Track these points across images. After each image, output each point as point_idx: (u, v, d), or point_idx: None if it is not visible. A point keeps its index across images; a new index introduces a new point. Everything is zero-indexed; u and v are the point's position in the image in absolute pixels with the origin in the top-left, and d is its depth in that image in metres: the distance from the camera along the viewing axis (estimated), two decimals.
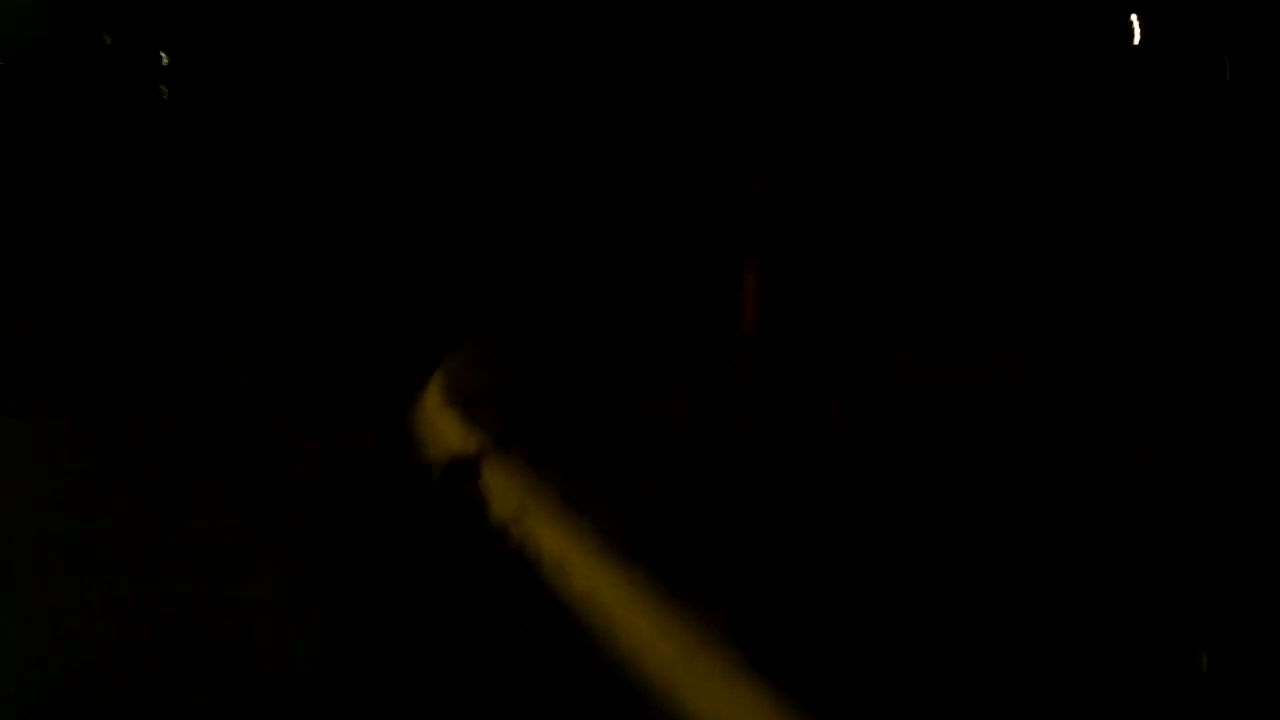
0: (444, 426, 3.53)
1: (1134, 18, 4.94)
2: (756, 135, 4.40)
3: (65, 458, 3.53)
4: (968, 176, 5.01)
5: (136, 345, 5.05)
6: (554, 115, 6.53)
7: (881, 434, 3.44)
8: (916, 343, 4.47)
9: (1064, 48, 5.06)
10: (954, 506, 2.86)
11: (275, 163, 7.10)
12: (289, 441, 3.69)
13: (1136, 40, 5.02)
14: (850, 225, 4.78)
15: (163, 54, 7.24)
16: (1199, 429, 3.49)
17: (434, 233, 6.73)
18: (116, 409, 4.02)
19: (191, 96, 7.26)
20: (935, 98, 5.04)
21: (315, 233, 6.99)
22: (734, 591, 2.43)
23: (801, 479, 3.05)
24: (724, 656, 2.24)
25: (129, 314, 5.66)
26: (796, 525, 2.75)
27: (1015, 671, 2.05)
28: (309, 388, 4.35)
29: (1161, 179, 5.04)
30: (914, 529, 2.73)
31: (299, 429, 3.82)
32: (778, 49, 4.57)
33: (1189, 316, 4.68)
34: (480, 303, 5.65)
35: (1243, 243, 4.89)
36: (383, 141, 6.97)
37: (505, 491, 3.08)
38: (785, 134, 4.42)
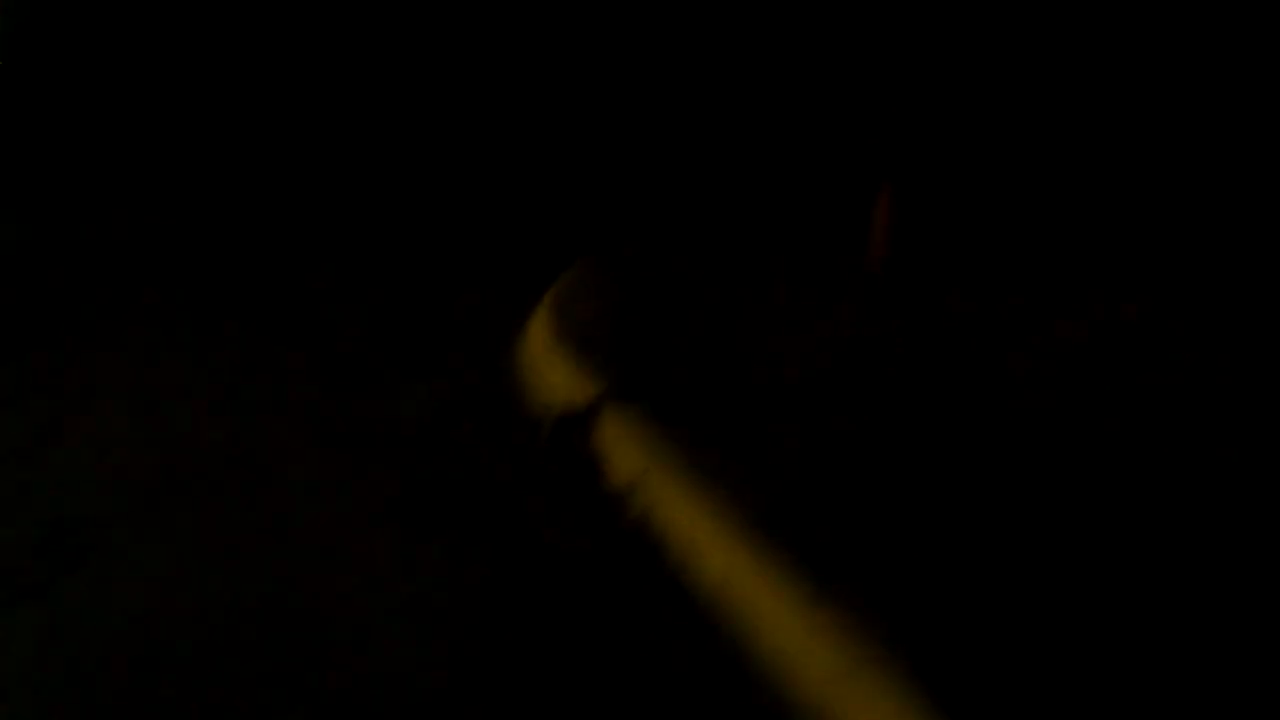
0: (554, 369, 3.23)
1: None
2: (895, 59, 3.97)
3: (144, 392, 3.30)
4: (1118, 105, 4.53)
5: (203, 264, 4.77)
6: (676, 21, 6.08)
7: (1042, 390, 3.09)
8: (1058, 281, 4.07)
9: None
10: (1149, 485, 2.52)
11: (359, 52, 6.73)
12: (382, 380, 3.41)
13: None
14: (988, 155, 4.34)
15: None
16: None
17: (537, 140, 6.35)
18: (193, 345, 3.76)
19: None
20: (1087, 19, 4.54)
21: (401, 136, 6.64)
22: (899, 593, 2.13)
23: (963, 446, 2.72)
24: (888, 677, 1.95)
25: (191, 228, 5.39)
26: (967, 506, 2.43)
27: None
28: (399, 314, 4.06)
29: None
30: (1113, 516, 2.39)
31: (392, 364, 3.54)
32: None
33: None
34: (585, 220, 5.30)
35: None
36: (493, 37, 6.55)
37: (625, 451, 2.79)
38: (926, 57, 3.98)
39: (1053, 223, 4.45)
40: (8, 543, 2.47)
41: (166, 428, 3.07)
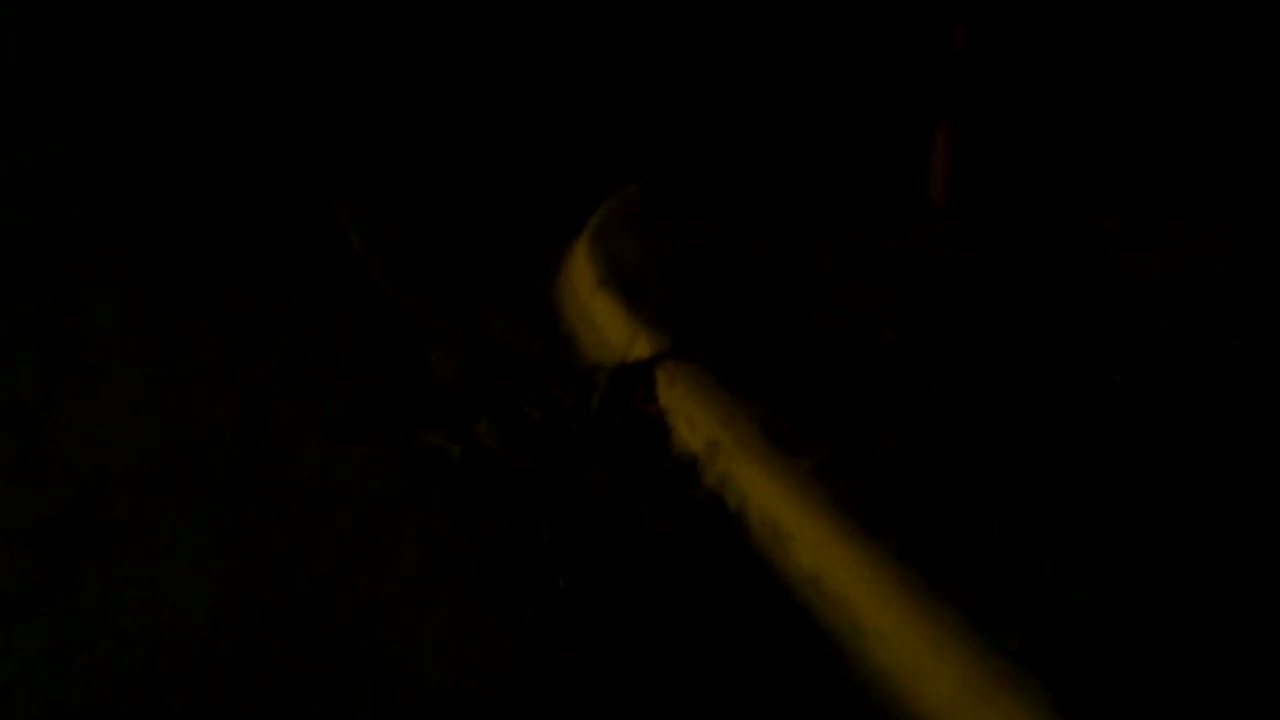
0: (603, 316, 2.95)
1: None
2: None
3: (153, 346, 3.01)
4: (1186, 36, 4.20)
5: (220, 188, 4.44)
6: None
7: (1142, 338, 2.83)
8: (1120, 215, 3.78)
9: None
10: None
11: None
12: (416, 323, 3.13)
13: None
14: (1052, 84, 4.01)
15: None
16: None
17: (573, 57, 5.96)
18: (209, 279, 3.47)
19: None
20: None
21: (430, 49, 6.25)
22: (1021, 593, 1.88)
23: (1059, 410, 2.46)
24: (1025, 702, 1.72)
25: (206, 147, 5.03)
26: (1076, 481, 2.17)
27: None
28: (431, 246, 3.76)
29: None
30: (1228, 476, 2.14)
31: (426, 304, 3.25)
32: None
33: None
34: (624, 143, 4.92)
35: None
36: None
37: (691, 416, 2.52)
38: None
39: (1119, 153, 4.14)
40: (10, 532, 2.20)
41: (179, 383, 2.79)
